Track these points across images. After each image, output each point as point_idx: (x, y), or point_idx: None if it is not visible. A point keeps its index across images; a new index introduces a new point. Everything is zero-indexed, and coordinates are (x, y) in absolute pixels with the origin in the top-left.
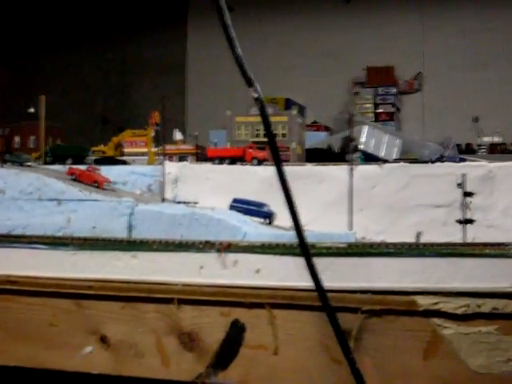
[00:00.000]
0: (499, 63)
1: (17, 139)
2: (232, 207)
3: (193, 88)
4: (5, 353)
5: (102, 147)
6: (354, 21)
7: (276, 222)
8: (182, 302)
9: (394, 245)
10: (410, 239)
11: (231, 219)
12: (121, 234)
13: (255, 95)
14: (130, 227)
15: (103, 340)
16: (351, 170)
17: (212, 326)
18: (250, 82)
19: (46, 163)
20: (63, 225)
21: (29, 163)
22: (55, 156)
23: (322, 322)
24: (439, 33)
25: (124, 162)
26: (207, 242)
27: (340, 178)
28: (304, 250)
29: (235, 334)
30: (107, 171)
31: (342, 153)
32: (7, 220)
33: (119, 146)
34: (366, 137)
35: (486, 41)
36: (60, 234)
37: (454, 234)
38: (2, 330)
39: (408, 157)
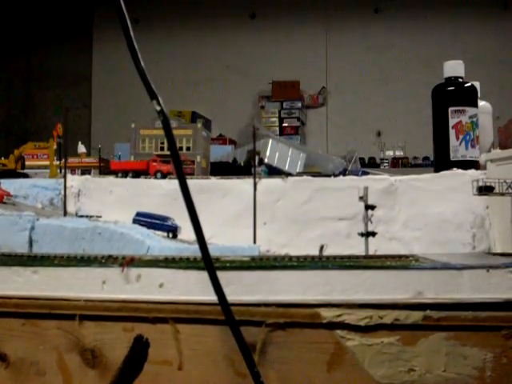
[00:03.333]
0: (401, 79)
1: None
2: (135, 221)
3: (98, 100)
4: None
5: (2, 160)
6: (259, 35)
7: (180, 236)
8: (84, 317)
9: (298, 258)
10: (314, 252)
11: (134, 233)
12: (22, 248)
13: (158, 108)
14: (31, 242)
15: (2, 358)
16: (255, 183)
17: (115, 341)
18: (153, 95)
19: None
20: None
21: None
22: None
23: (226, 336)
24: (343, 48)
25: (25, 175)
26: (110, 257)
27: (244, 192)
28: (207, 263)
29: (139, 349)
30: (8, 185)
31: (246, 166)
32: None
33: (20, 158)
34: (270, 150)
35: (388, 57)
36: None
37: (357, 247)
38: None
39: (312, 170)
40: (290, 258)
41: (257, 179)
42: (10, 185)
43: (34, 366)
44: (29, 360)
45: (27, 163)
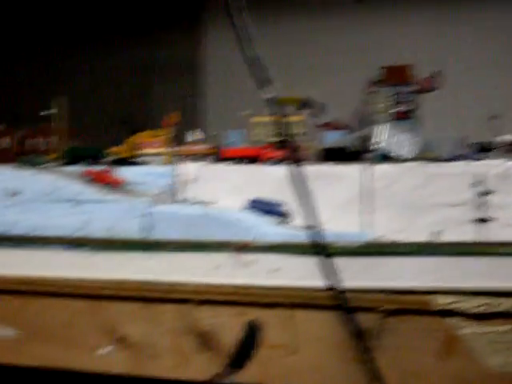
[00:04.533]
0: None
1: (35, 141)
2: (249, 207)
3: (212, 88)
4: (23, 353)
5: (118, 148)
6: (369, 19)
7: (293, 222)
8: (199, 302)
9: (409, 244)
10: (428, 238)
11: (248, 219)
12: (137, 235)
13: (268, 96)
14: (147, 228)
15: (121, 341)
16: (368, 169)
17: (229, 325)
18: (262, 83)
19: (62, 164)
20: (80, 226)
21: (46, 164)
22: (72, 157)
23: (339, 322)
24: (456, 31)
25: (141, 163)
26: (223, 242)
27: (357, 178)
28: (320, 249)
29: (252, 333)
30: (124, 172)
31: (359, 152)
32: (25, 221)
33: (136, 146)
34: (383, 135)
35: (503, 39)
36: (77, 234)
37: (470, 233)
38: (20, 331)
39: (425, 155)
40: (401, 244)
41: (370, 165)
42: (126, 172)
43: (151, 348)
44: (146, 342)
45: (142, 151)
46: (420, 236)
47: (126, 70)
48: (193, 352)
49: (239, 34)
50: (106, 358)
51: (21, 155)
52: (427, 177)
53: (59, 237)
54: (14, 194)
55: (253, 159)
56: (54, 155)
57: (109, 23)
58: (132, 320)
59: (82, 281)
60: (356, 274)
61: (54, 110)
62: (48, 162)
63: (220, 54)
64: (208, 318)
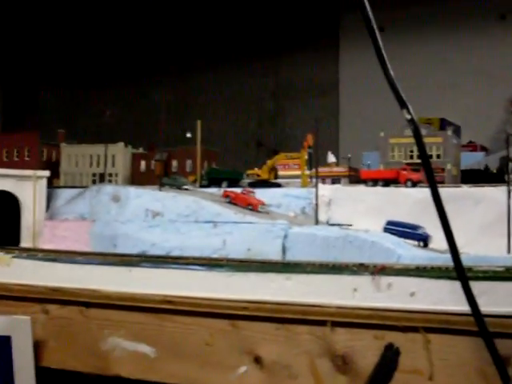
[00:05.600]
0: None
1: (174, 163)
2: (386, 229)
3: (345, 110)
4: (160, 370)
5: (256, 170)
6: (509, 37)
7: (431, 245)
8: (335, 324)
9: None
10: None
11: (385, 241)
12: (275, 255)
13: (408, 117)
14: (284, 249)
15: (257, 361)
16: (510, 191)
17: (366, 349)
18: (402, 104)
19: (201, 186)
20: (219, 246)
21: (186, 186)
22: (211, 179)
23: (478, 348)
24: None
25: (278, 185)
26: (361, 265)
27: (498, 200)
28: (460, 273)
29: (389, 357)
30: (261, 194)
31: (500, 173)
32: (165, 241)
33: (273, 168)
34: None
35: None
36: (216, 255)
37: None
38: (158, 348)
39: None
40: None
41: (511, 187)
42: (263, 194)
43: (286, 369)
44: (282, 363)
45: (279, 173)
46: None
47: (260, 92)
48: (328, 375)
49: (379, 55)
50: (242, 377)
51: (161, 177)
52: None
53: (198, 257)
54: (155, 215)
55: (390, 181)
56: (193, 177)
57: (244, 47)
58: (268, 340)
59: (220, 301)
60: (498, 300)
61: (189, 134)
62: (187, 183)
63: (353, 75)
64: (344, 340)
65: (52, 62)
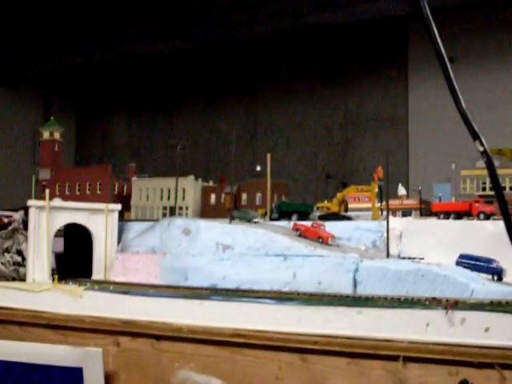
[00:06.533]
0: None
1: (244, 196)
2: (459, 263)
3: (415, 141)
4: None
5: (326, 203)
6: None
7: (505, 279)
8: (407, 359)
9: None
10: None
11: (458, 275)
12: (346, 289)
13: (481, 148)
14: (355, 283)
15: None
16: None
17: None
18: (475, 136)
19: (271, 219)
20: (289, 280)
21: (256, 219)
22: (281, 212)
23: None
24: None
25: (348, 218)
26: (434, 299)
27: None
28: None
29: None
30: (332, 227)
31: None
32: (236, 275)
33: (343, 201)
34: None
35: None
36: (286, 288)
37: None
38: (229, 382)
39: None
40: None
41: None
42: (334, 227)
43: None
44: None
45: (350, 206)
46: None
47: (329, 124)
48: None
49: (451, 86)
50: None
51: (231, 210)
52: None
53: (269, 290)
54: (226, 248)
55: (462, 214)
56: (263, 210)
57: (313, 78)
58: (339, 375)
59: (291, 334)
60: None
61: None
62: (258, 216)
63: (423, 106)
64: (417, 376)
65: (122, 97)
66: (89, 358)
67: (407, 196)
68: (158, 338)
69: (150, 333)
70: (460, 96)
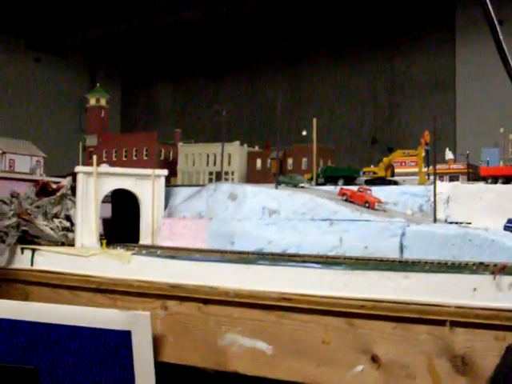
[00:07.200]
0: None
1: (290, 161)
2: (507, 228)
3: (462, 105)
4: (277, 368)
5: (372, 168)
6: None
7: None
8: (454, 324)
9: None
10: None
11: (506, 240)
12: (392, 254)
13: None
14: (402, 247)
15: (374, 359)
16: None
17: (486, 350)
18: None
19: (317, 184)
20: (335, 244)
21: (302, 184)
22: (327, 177)
23: None
24: None
25: (395, 183)
26: (481, 264)
27: None
28: None
29: (511, 359)
30: (378, 191)
31: None
32: (282, 239)
33: (390, 166)
34: None
35: None
36: (332, 253)
37: None
38: (275, 345)
39: None
40: None
41: None
42: (380, 192)
43: (404, 369)
44: (399, 362)
45: (396, 170)
46: None
47: (375, 88)
48: (447, 375)
49: (500, 49)
50: (358, 376)
51: (277, 175)
52: None
53: (315, 255)
54: (272, 212)
55: (509, 178)
56: (309, 175)
57: (358, 41)
58: (385, 339)
59: (337, 299)
60: None
61: (304, 132)
62: (304, 181)
63: (471, 70)
64: (464, 341)
65: (167, 63)
66: (137, 321)
67: (454, 160)
68: (205, 301)
69: (197, 297)
70: (510, 59)
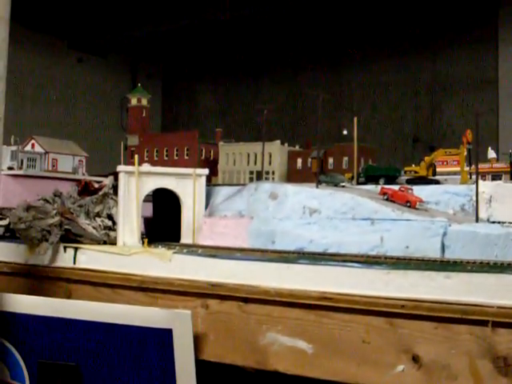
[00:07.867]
0: None
1: (330, 160)
2: None
3: (505, 104)
4: (318, 367)
5: (413, 167)
6: None
7: None
8: (496, 324)
9: None
10: None
11: None
12: (434, 253)
13: None
14: (443, 247)
15: (415, 359)
16: None
17: None
18: None
19: (358, 183)
20: (376, 244)
21: (342, 184)
22: (368, 176)
23: None
24: None
25: (437, 182)
26: None
27: None
28: None
29: None
30: (419, 191)
31: None
32: (322, 238)
33: (431, 165)
34: None
35: None
36: (373, 252)
37: None
38: (315, 345)
39: None
40: None
41: None
42: (421, 191)
43: (445, 369)
44: (440, 363)
45: (438, 169)
46: None
47: (416, 87)
48: (489, 377)
49: None
50: (399, 376)
51: (318, 174)
52: None
53: (356, 254)
54: (313, 212)
55: None
56: (349, 174)
57: (399, 40)
58: (427, 339)
59: (378, 298)
60: None
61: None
62: (344, 181)
63: None
64: (506, 342)
65: (208, 63)
66: (178, 319)
67: (497, 159)
68: (246, 300)
69: (238, 295)
70: None
